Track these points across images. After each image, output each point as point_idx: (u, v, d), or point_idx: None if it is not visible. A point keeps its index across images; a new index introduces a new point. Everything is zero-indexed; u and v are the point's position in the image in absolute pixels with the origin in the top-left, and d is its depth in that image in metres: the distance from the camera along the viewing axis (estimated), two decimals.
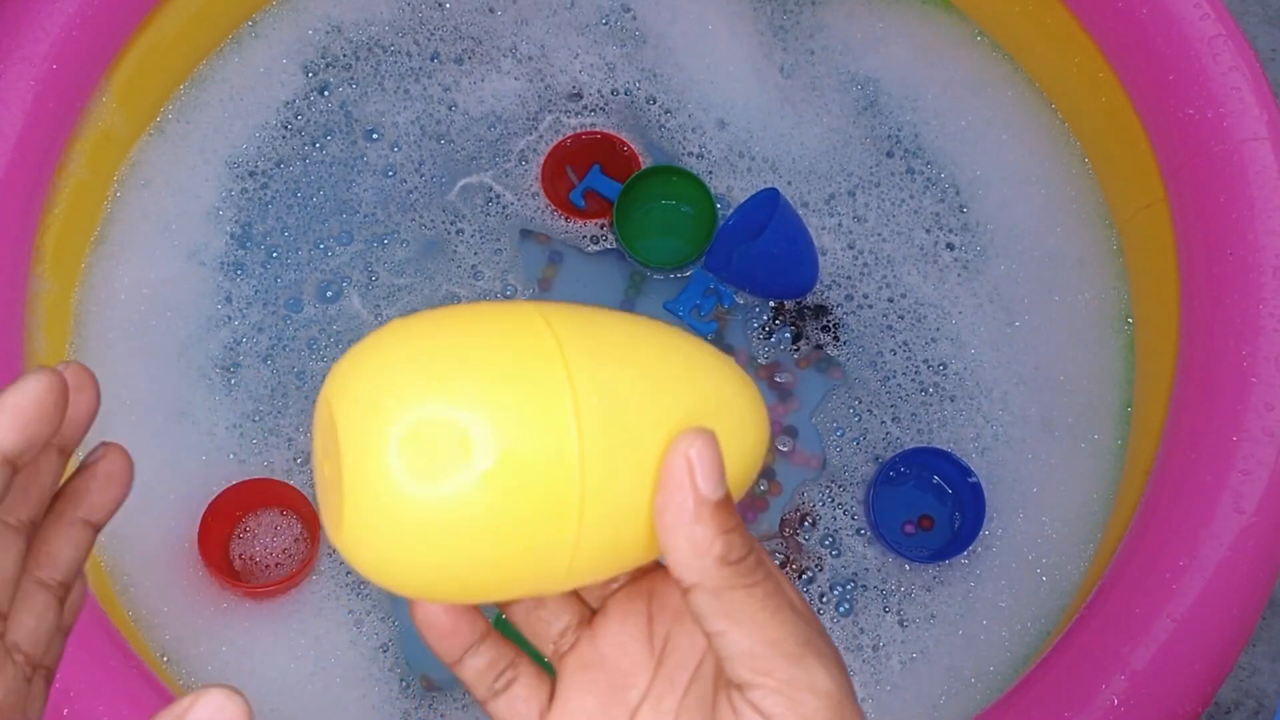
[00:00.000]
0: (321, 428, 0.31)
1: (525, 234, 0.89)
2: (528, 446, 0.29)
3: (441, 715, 0.79)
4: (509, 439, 0.28)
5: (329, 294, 0.87)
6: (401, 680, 0.79)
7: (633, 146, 0.89)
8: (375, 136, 0.91)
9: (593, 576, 0.32)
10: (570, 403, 0.29)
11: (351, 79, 0.92)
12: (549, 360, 0.29)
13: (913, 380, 0.85)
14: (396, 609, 0.80)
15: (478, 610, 0.34)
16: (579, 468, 0.29)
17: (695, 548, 0.30)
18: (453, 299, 0.87)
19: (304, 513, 0.81)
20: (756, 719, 0.30)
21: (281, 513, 0.82)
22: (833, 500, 0.83)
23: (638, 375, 0.31)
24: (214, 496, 0.79)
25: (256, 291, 0.87)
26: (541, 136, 0.91)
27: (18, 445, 0.30)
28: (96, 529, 0.34)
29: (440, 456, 0.28)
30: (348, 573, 0.80)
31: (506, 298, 0.87)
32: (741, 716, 0.31)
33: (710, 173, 0.89)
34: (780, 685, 0.30)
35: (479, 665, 0.35)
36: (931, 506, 0.83)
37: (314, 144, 0.90)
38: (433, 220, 0.89)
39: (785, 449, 0.85)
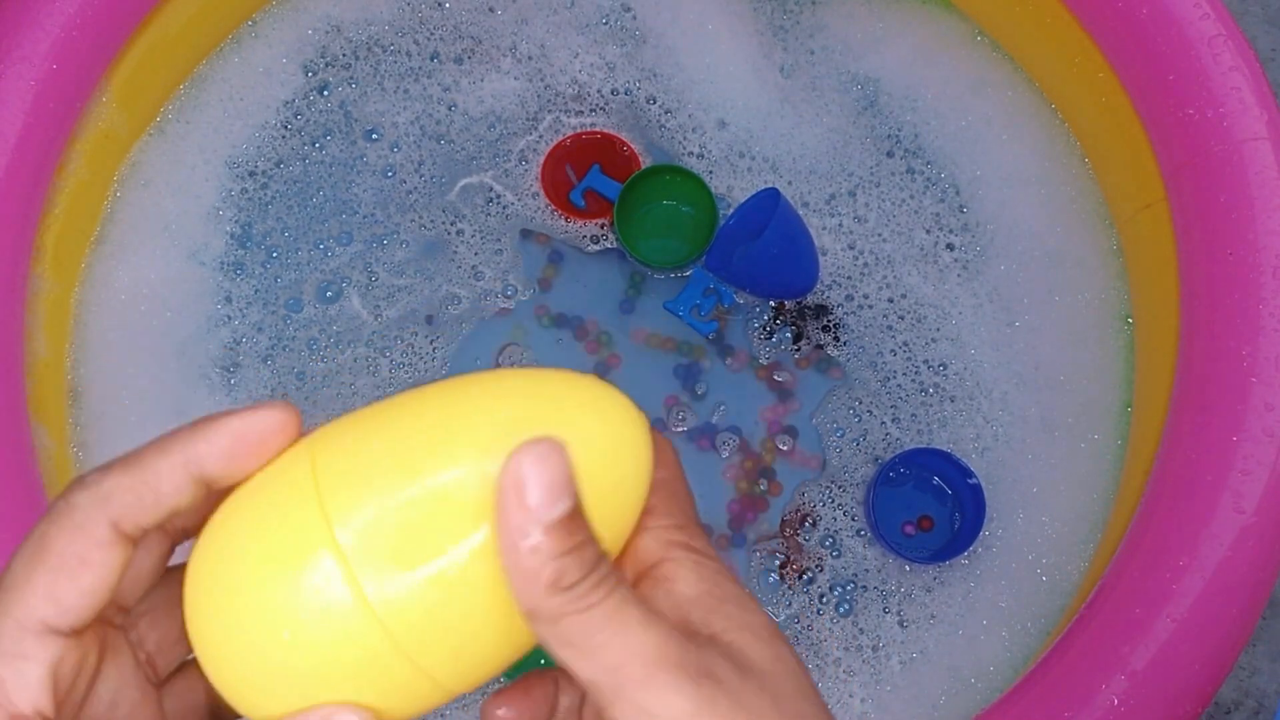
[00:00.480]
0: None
1: (525, 234, 0.89)
2: (312, 617, 0.28)
3: (441, 715, 0.78)
4: (291, 615, 0.28)
5: (329, 294, 0.87)
6: None
7: (633, 146, 0.89)
8: (375, 136, 0.91)
9: (475, 682, 0.30)
10: (337, 563, 0.28)
11: (351, 79, 0.92)
12: (310, 522, 0.28)
13: (913, 380, 0.85)
14: None
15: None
16: (374, 620, 0.28)
17: (524, 575, 0.27)
18: (453, 299, 0.87)
19: None
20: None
21: None
22: (833, 501, 0.83)
23: (410, 484, 0.28)
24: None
25: (256, 291, 0.87)
26: (541, 136, 0.90)
27: (221, 471, 0.30)
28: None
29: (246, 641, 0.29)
30: None
31: (507, 297, 0.87)
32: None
33: (710, 172, 0.89)
34: (629, 714, 0.27)
35: None
36: (931, 507, 0.83)
37: (314, 144, 0.90)
38: (432, 220, 0.89)
39: (785, 449, 0.85)
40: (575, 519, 0.27)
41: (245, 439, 0.30)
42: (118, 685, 0.32)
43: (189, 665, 0.33)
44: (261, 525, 0.29)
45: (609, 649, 0.27)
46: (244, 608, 0.28)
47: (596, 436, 0.29)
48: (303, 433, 0.31)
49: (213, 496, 0.31)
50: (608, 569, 0.28)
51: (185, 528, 0.32)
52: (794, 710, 0.29)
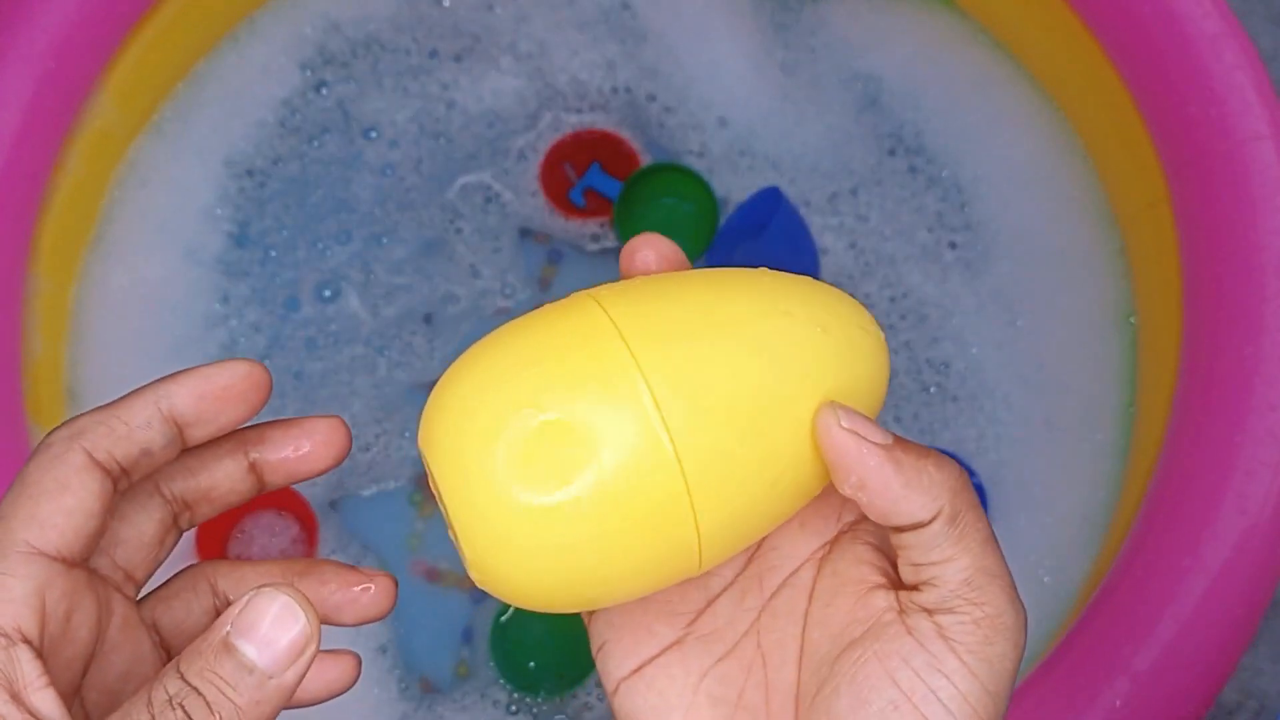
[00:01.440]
0: (429, 474, 0.31)
1: (524, 233, 0.88)
2: (618, 442, 0.28)
3: (440, 717, 0.78)
4: (597, 437, 0.28)
5: (326, 293, 0.87)
6: (400, 682, 0.79)
7: (633, 144, 0.89)
8: (373, 135, 0.90)
9: (723, 556, 0.31)
10: (644, 391, 0.28)
11: (349, 77, 0.91)
12: (615, 354, 0.29)
13: (915, 380, 0.85)
14: (395, 610, 0.80)
15: None
16: (672, 453, 0.28)
17: (919, 488, 0.30)
18: (451, 299, 0.87)
19: (301, 514, 0.80)
20: (936, 643, 0.29)
21: (279, 514, 0.81)
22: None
23: (710, 347, 0.29)
24: None
25: (254, 291, 0.87)
26: (541, 134, 0.90)
27: (190, 411, 0.32)
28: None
29: (538, 467, 0.28)
30: None
31: (506, 296, 0.87)
32: (916, 632, 0.30)
33: (711, 171, 0.89)
34: (984, 617, 0.30)
35: None
36: None
37: (311, 142, 0.90)
38: (431, 219, 0.89)
39: None
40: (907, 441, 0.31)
41: (214, 382, 0.32)
42: (129, 653, 0.32)
43: None
44: (558, 348, 0.29)
45: (985, 554, 0.30)
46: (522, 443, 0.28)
47: (870, 377, 0.33)
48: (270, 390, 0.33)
49: (188, 447, 0.32)
50: None
51: (184, 500, 0.33)
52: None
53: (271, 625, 0.27)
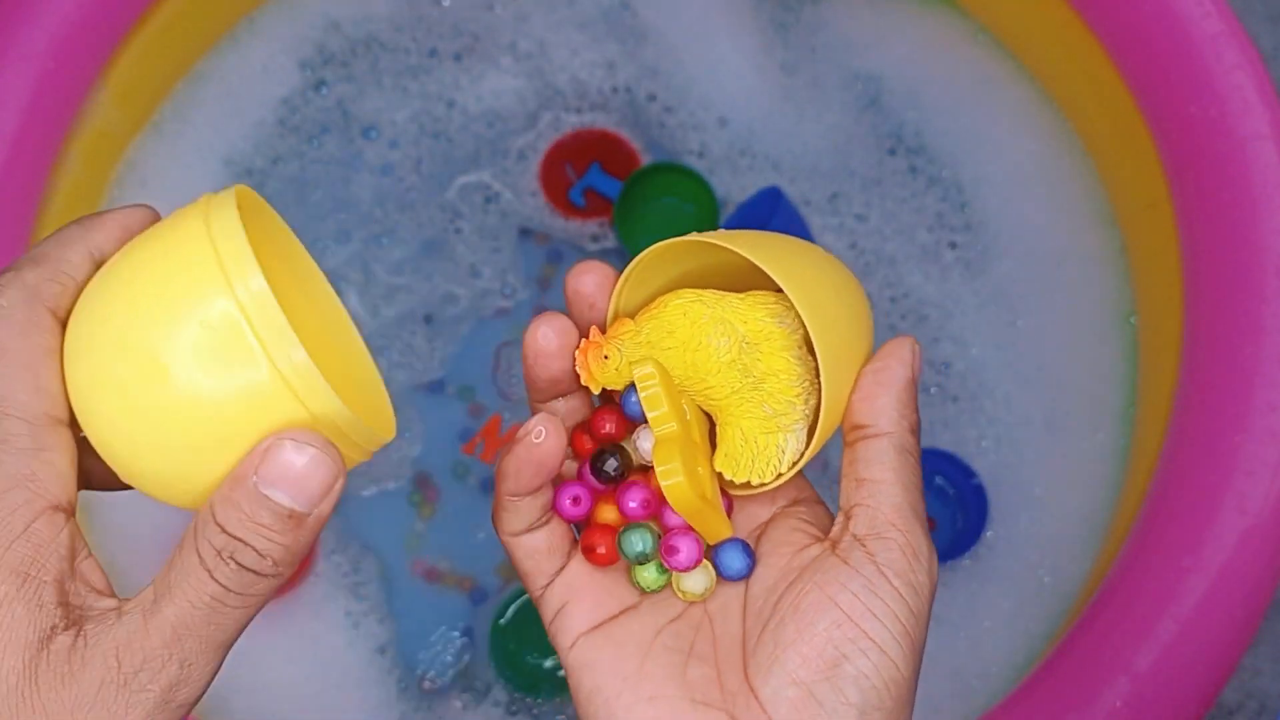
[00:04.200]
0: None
1: (525, 233, 0.88)
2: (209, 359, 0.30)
3: (439, 718, 0.78)
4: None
5: None
6: (399, 682, 0.78)
7: (633, 144, 0.89)
8: (373, 134, 0.90)
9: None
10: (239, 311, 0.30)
11: (349, 76, 0.91)
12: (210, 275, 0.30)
13: None
14: (394, 611, 0.80)
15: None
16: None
17: (901, 406, 0.35)
18: (451, 299, 0.87)
19: None
20: (869, 566, 0.33)
21: None
22: (833, 502, 0.82)
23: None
24: None
25: None
26: (541, 134, 0.90)
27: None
28: None
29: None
30: (345, 574, 0.80)
31: (506, 296, 0.87)
32: (850, 561, 0.34)
33: (711, 171, 0.89)
34: (906, 546, 0.34)
35: (540, 500, 0.36)
36: (933, 508, 0.83)
37: (311, 142, 0.90)
38: (431, 219, 0.88)
39: None
40: None
41: (132, 227, 0.33)
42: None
43: None
44: (157, 274, 0.30)
45: (916, 495, 0.35)
46: (134, 349, 0.29)
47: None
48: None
49: None
50: None
51: None
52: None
53: (302, 471, 0.29)
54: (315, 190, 0.89)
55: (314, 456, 0.29)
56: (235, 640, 0.30)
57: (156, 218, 0.34)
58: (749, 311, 0.36)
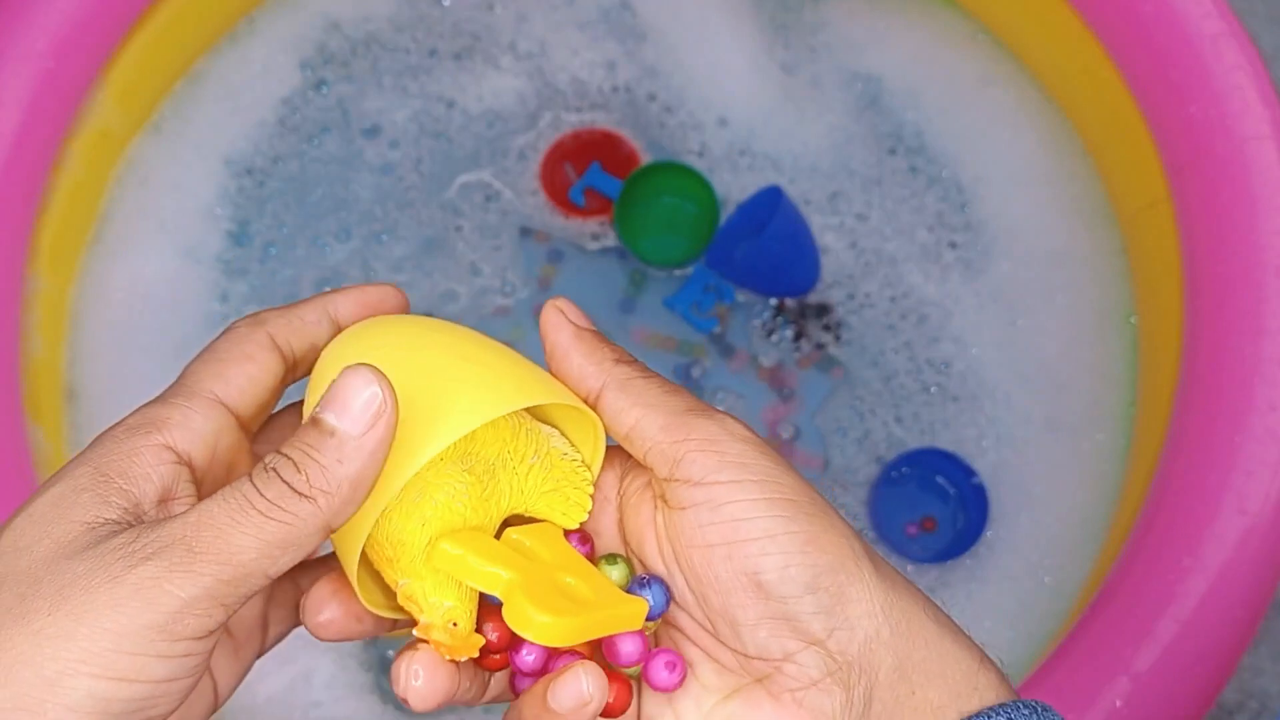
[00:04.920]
0: None
1: (525, 232, 0.88)
2: None
3: (441, 717, 0.78)
4: None
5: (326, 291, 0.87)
6: (383, 689, 0.78)
7: (633, 144, 0.89)
8: (373, 134, 0.90)
9: None
10: None
11: (349, 76, 0.91)
12: None
13: (915, 380, 0.85)
14: None
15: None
16: None
17: (589, 357, 0.35)
18: (451, 297, 0.87)
19: None
20: (696, 492, 0.32)
21: None
22: (835, 501, 0.82)
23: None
24: None
25: (254, 289, 0.86)
26: (541, 134, 0.90)
27: (350, 321, 0.36)
28: None
29: None
30: None
31: (506, 295, 0.87)
32: (683, 503, 0.33)
33: (711, 170, 0.89)
34: (700, 444, 0.33)
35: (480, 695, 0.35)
36: (934, 507, 0.83)
37: (311, 141, 0.90)
38: (431, 218, 0.88)
39: (787, 449, 0.84)
40: (602, 337, 0.36)
41: (370, 296, 0.37)
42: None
43: None
44: None
45: (673, 401, 0.34)
46: None
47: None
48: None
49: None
50: None
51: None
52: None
53: (348, 393, 0.30)
54: (315, 189, 0.89)
55: (361, 377, 0.30)
56: (250, 568, 0.29)
57: (400, 297, 0.37)
58: (429, 472, 0.33)
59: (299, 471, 0.29)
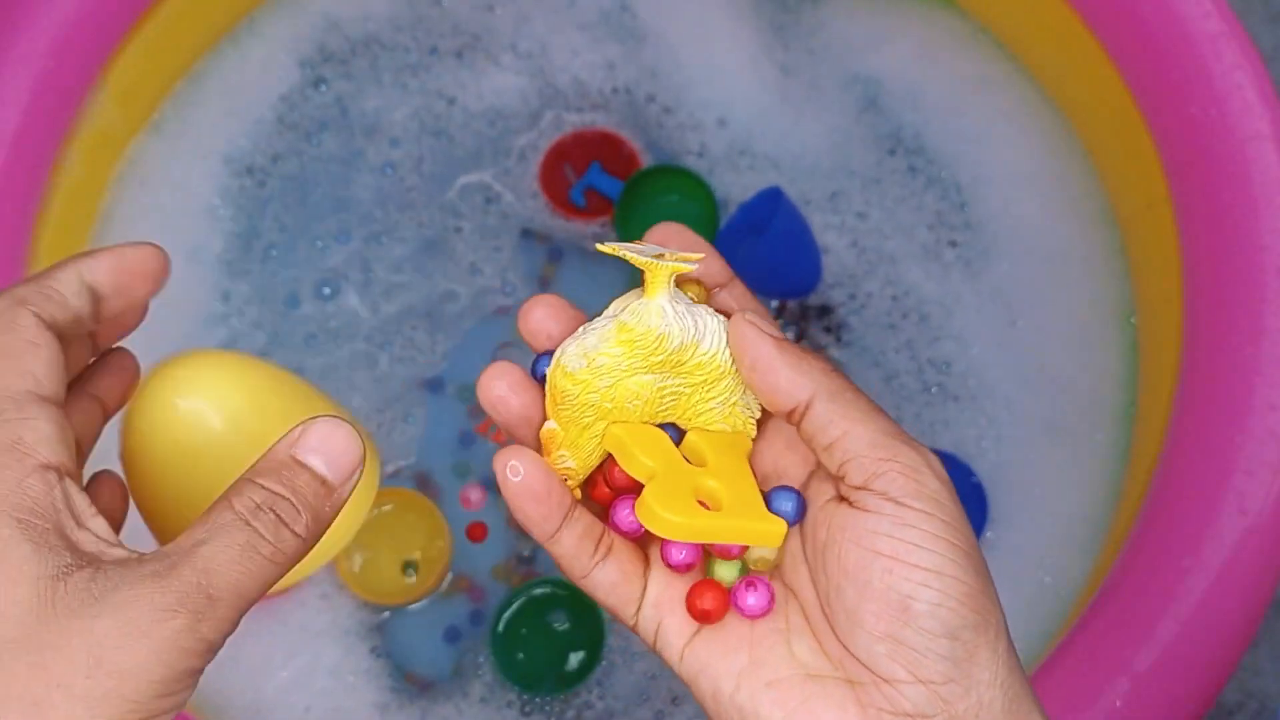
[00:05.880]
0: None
1: (525, 233, 0.88)
2: None
3: (442, 718, 0.78)
4: None
5: (326, 291, 0.87)
6: (390, 679, 0.79)
7: (633, 144, 0.89)
8: (374, 133, 0.90)
9: None
10: None
11: (348, 74, 0.91)
12: None
13: (916, 380, 0.85)
14: (392, 611, 0.80)
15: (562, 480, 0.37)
16: None
17: (796, 369, 0.34)
18: (451, 297, 0.87)
19: None
20: (886, 505, 0.33)
21: None
22: None
23: None
24: None
25: (254, 289, 0.86)
26: (542, 134, 0.90)
27: (107, 284, 0.36)
28: (106, 414, 0.40)
29: None
30: (337, 571, 0.80)
31: (506, 295, 0.87)
32: (869, 508, 0.33)
33: (711, 171, 0.89)
34: (904, 469, 0.33)
35: (577, 532, 0.36)
36: None
37: (311, 141, 0.90)
38: (431, 218, 0.89)
39: None
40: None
41: (125, 259, 0.36)
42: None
43: None
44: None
45: (880, 419, 0.35)
46: None
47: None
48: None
49: (101, 315, 0.36)
50: None
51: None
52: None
53: (336, 446, 0.32)
54: (316, 189, 0.89)
55: (347, 433, 0.32)
56: (253, 602, 0.31)
57: (157, 254, 0.37)
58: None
59: (299, 515, 0.31)
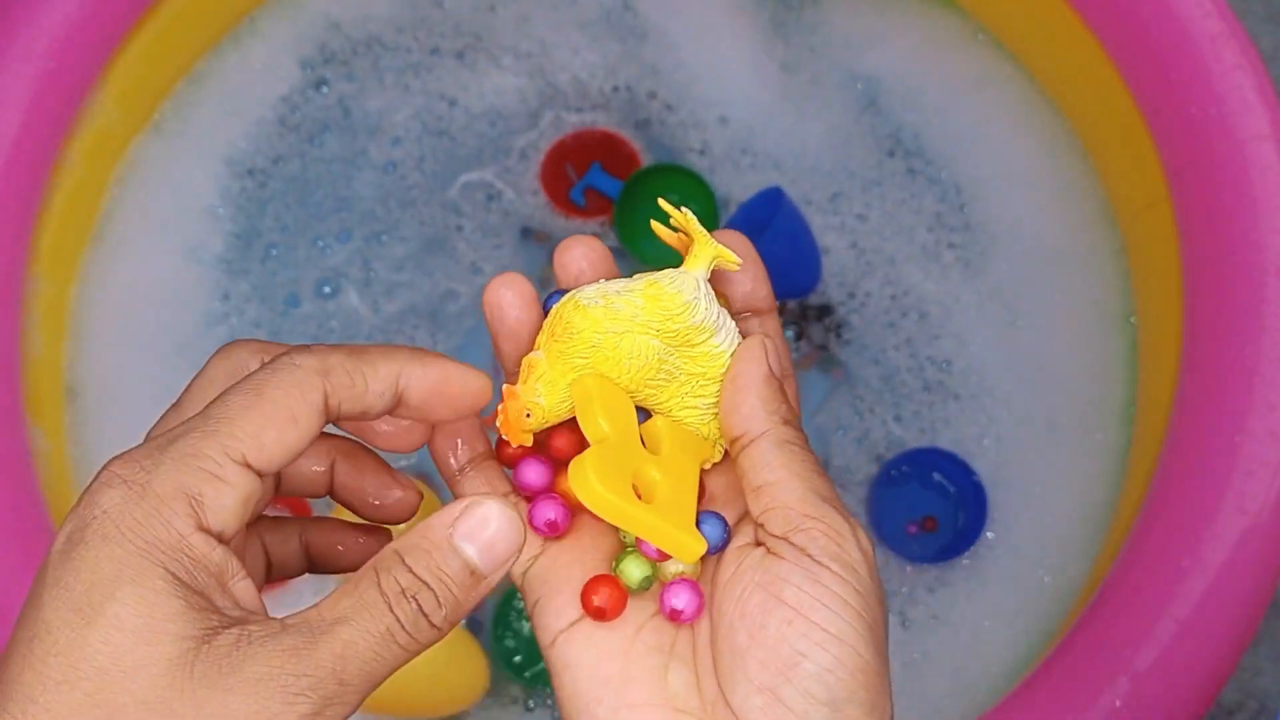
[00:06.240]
0: None
1: (526, 232, 0.88)
2: None
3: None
4: None
5: (327, 290, 0.87)
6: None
7: (633, 144, 0.89)
8: (375, 134, 0.90)
9: None
10: None
11: (349, 74, 0.91)
12: None
13: (916, 379, 0.85)
14: None
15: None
16: None
17: (766, 404, 0.34)
18: (452, 296, 0.87)
19: (296, 508, 0.80)
20: (803, 559, 0.32)
21: (274, 509, 0.81)
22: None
23: None
24: None
25: (254, 289, 0.87)
26: (542, 133, 0.90)
27: (419, 399, 0.33)
28: (268, 561, 0.39)
29: None
30: None
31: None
32: (784, 556, 0.32)
33: (712, 170, 0.89)
34: (828, 530, 0.32)
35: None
36: (934, 506, 0.83)
37: (312, 141, 0.90)
38: (432, 217, 0.89)
39: None
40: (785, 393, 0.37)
41: (450, 383, 0.33)
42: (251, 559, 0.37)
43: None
44: None
45: (816, 481, 0.34)
46: None
47: None
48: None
49: (386, 413, 0.34)
50: None
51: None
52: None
53: (495, 534, 0.30)
54: (317, 189, 0.89)
55: (510, 520, 0.30)
56: (377, 686, 0.30)
57: (484, 389, 0.34)
58: (651, 303, 0.36)
59: (440, 607, 0.30)
